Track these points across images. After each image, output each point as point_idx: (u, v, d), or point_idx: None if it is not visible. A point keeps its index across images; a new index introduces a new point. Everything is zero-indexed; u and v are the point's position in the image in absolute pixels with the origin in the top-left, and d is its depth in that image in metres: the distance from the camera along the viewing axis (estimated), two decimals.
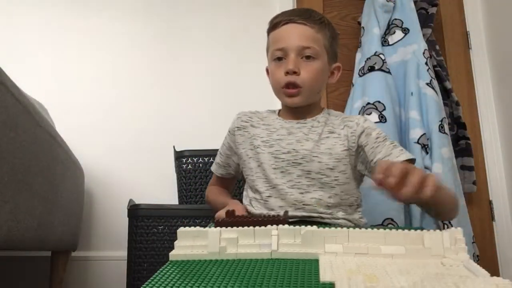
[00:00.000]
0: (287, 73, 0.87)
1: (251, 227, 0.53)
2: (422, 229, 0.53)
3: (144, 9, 1.82)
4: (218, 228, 0.54)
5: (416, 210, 1.38)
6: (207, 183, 1.26)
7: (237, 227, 0.55)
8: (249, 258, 0.51)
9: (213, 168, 1.06)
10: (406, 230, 0.51)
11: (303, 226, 0.52)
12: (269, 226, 0.53)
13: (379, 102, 1.48)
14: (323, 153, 0.87)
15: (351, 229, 0.51)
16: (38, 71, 1.68)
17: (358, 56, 1.71)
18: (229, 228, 0.54)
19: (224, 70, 1.79)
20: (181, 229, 0.55)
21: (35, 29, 1.72)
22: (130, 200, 1.42)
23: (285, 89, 0.89)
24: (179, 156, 1.48)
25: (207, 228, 0.55)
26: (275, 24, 0.92)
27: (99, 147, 1.64)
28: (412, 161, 0.86)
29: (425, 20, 1.69)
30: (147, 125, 1.70)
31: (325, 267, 0.46)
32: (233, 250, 0.52)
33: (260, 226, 0.54)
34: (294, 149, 0.88)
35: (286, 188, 0.86)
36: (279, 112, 1.00)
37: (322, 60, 0.90)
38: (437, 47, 1.73)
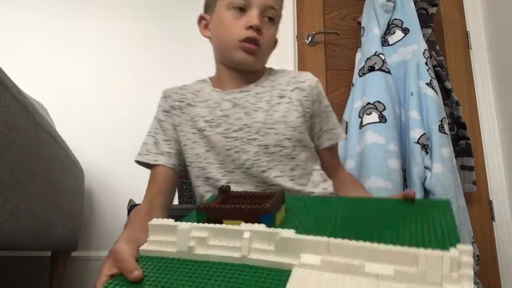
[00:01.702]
0: (250, 27, 0.78)
1: (223, 226, 0.48)
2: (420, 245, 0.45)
3: (144, 9, 1.82)
4: (189, 224, 0.49)
5: None
6: None
7: (222, 215, 0.51)
8: (217, 260, 0.46)
9: (162, 160, 0.83)
10: (398, 246, 0.41)
11: (279, 229, 0.45)
12: (243, 225, 0.47)
13: (379, 102, 1.48)
14: (278, 122, 0.79)
15: (332, 238, 0.43)
16: (38, 71, 1.67)
17: (358, 56, 1.71)
18: (200, 224, 0.49)
19: None
20: (152, 221, 0.51)
21: (35, 29, 1.72)
22: (130, 200, 1.42)
23: (243, 43, 0.79)
24: None
25: (178, 223, 0.50)
26: None
27: (99, 147, 1.64)
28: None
29: (425, 20, 1.69)
30: (147, 125, 1.70)
31: (294, 283, 0.40)
32: (202, 250, 0.47)
33: (246, 215, 0.50)
34: (245, 124, 0.78)
35: (245, 169, 0.76)
36: (213, 81, 0.88)
37: (277, 26, 0.85)
38: (437, 47, 1.73)
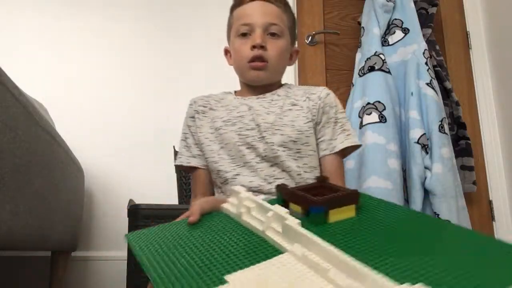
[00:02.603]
0: (253, 47, 0.87)
1: (263, 202, 0.55)
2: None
3: (145, 9, 1.82)
4: (247, 194, 0.58)
5: (417, 206, 1.38)
6: None
7: (288, 198, 0.57)
8: (250, 229, 0.54)
9: (195, 162, 0.92)
10: (369, 269, 0.38)
11: (289, 219, 0.49)
12: (276, 206, 0.53)
13: (379, 102, 1.49)
14: (286, 125, 0.86)
15: (316, 237, 0.44)
16: (38, 71, 1.67)
17: (358, 56, 1.71)
18: (254, 197, 0.57)
19: (223, 70, 1.78)
20: (234, 187, 0.62)
21: (35, 29, 1.72)
22: (130, 200, 1.42)
23: (251, 63, 0.88)
24: None
25: (242, 191, 0.59)
26: (241, 1, 0.92)
27: (99, 147, 1.64)
28: (356, 147, 0.91)
29: (425, 20, 1.69)
30: (147, 125, 1.70)
31: (265, 265, 0.44)
32: (246, 218, 0.56)
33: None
34: (257, 124, 0.87)
35: (255, 164, 0.84)
36: (236, 92, 0.99)
37: (286, 39, 0.92)
38: (437, 47, 1.73)
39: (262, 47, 0.87)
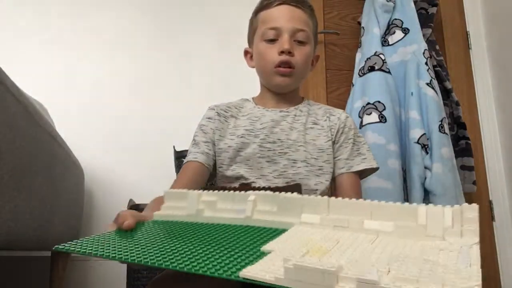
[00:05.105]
0: (282, 52, 0.86)
1: (231, 192, 0.51)
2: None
3: (145, 9, 1.82)
4: (200, 191, 0.54)
5: None
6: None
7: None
8: (223, 222, 0.49)
9: (201, 158, 0.87)
10: (398, 203, 0.41)
11: (283, 193, 0.47)
12: (250, 191, 0.50)
13: (379, 102, 1.48)
14: (308, 143, 0.88)
15: (333, 198, 0.44)
16: (38, 71, 1.67)
17: (358, 56, 1.71)
18: (211, 191, 0.53)
19: (224, 69, 1.79)
20: (167, 190, 0.56)
21: (35, 29, 1.72)
22: (130, 200, 1.42)
23: (278, 68, 0.87)
24: (179, 156, 1.47)
25: (189, 191, 0.55)
26: (267, 4, 0.91)
27: (99, 147, 1.64)
28: (374, 169, 0.90)
29: (425, 20, 1.69)
30: (147, 125, 1.70)
31: (286, 237, 0.41)
32: (210, 213, 0.51)
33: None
34: (279, 139, 0.87)
35: (272, 178, 0.84)
36: (255, 100, 0.97)
37: (311, 45, 0.91)
38: (437, 47, 1.73)
39: (289, 52, 0.86)
